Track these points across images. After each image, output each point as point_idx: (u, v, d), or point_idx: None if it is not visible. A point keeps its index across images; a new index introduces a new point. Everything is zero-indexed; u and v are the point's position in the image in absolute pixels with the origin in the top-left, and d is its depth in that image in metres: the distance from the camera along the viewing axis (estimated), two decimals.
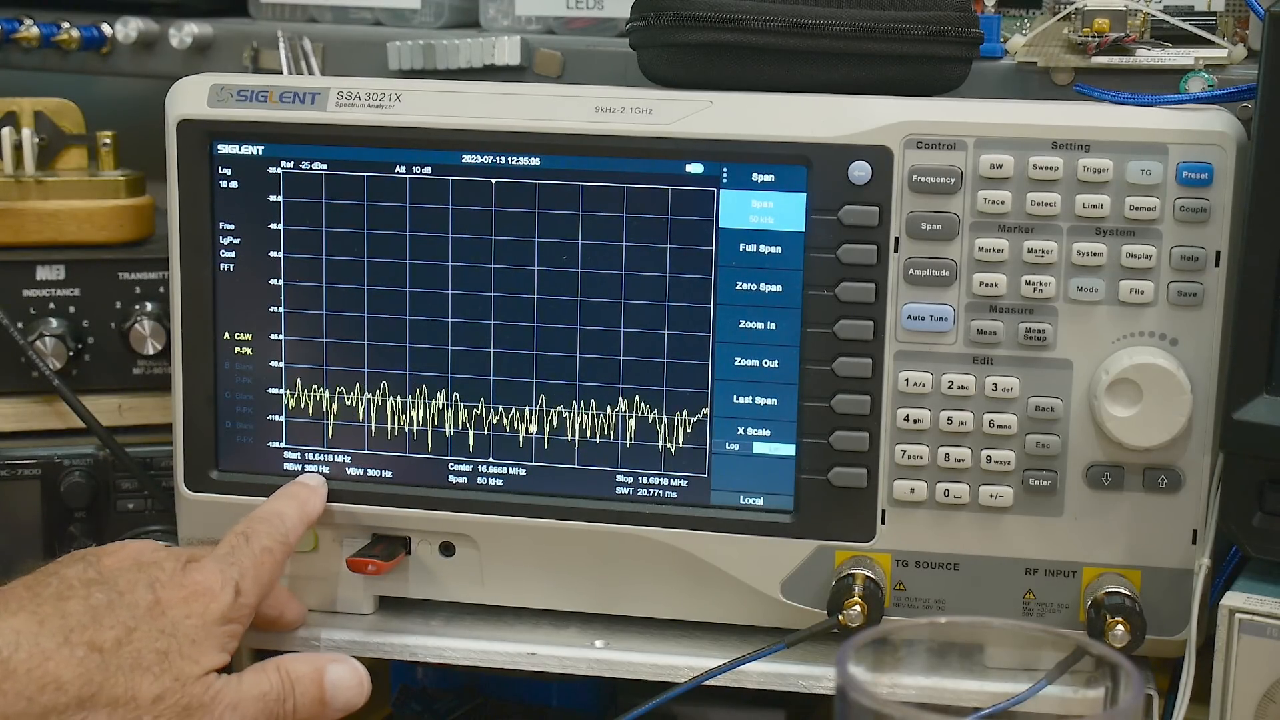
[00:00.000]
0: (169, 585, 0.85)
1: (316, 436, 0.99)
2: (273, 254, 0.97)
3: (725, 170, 0.92)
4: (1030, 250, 0.89)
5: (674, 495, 0.96)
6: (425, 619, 1.00)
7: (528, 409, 0.96)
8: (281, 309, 0.98)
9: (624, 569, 0.97)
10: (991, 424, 0.91)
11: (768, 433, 0.94)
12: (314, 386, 0.98)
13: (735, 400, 0.94)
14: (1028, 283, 0.90)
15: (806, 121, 0.91)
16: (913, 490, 0.92)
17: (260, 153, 0.97)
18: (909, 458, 0.92)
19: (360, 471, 0.99)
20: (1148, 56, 0.96)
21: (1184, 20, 0.96)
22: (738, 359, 0.94)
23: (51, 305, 1.10)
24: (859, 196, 0.91)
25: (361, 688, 0.90)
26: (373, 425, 0.98)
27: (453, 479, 0.98)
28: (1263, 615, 0.84)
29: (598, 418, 0.95)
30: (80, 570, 0.84)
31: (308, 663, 0.89)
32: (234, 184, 0.97)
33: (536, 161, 0.94)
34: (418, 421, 0.97)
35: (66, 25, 1.18)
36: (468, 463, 0.97)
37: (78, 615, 0.81)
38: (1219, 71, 0.95)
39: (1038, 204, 0.89)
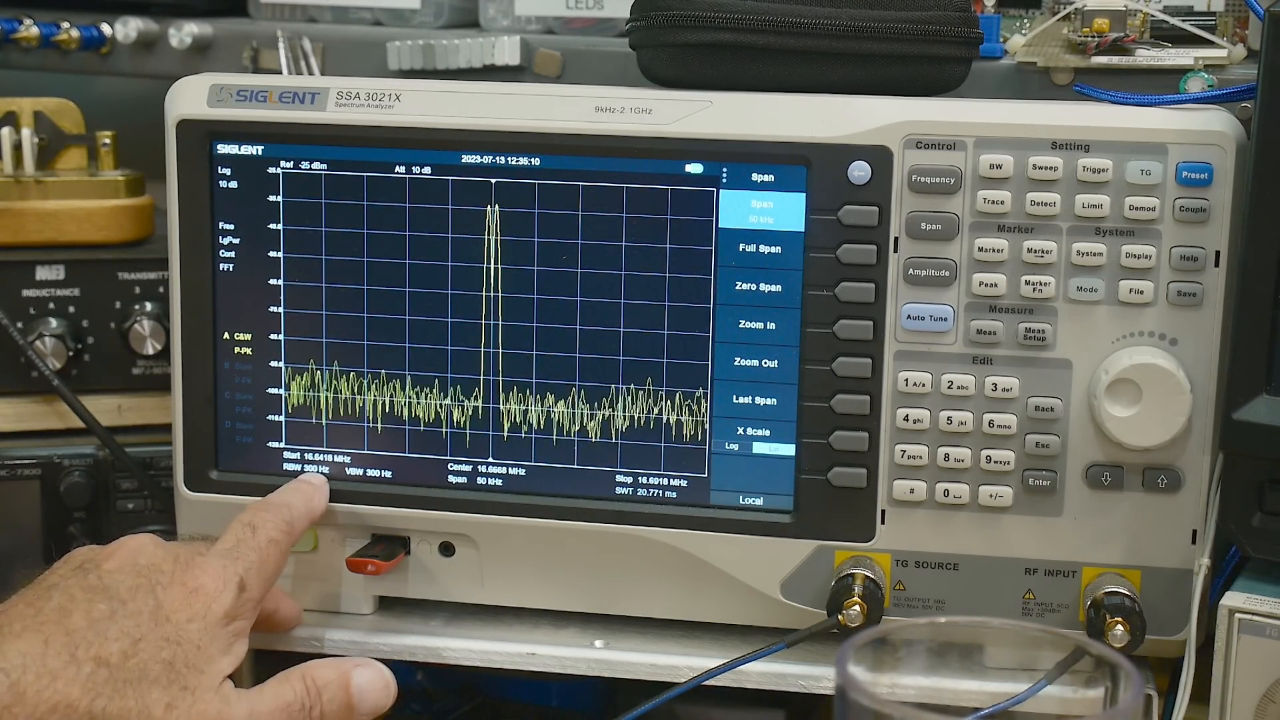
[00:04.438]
0: (170, 586, 0.84)
1: (316, 436, 0.99)
2: (272, 254, 0.97)
3: (725, 170, 0.92)
4: (1030, 250, 0.89)
5: (674, 495, 0.96)
6: (425, 619, 1.00)
7: (528, 409, 0.96)
8: (281, 309, 0.98)
9: (623, 569, 0.97)
10: (991, 424, 0.91)
11: (767, 432, 0.94)
12: (314, 386, 0.98)
13: (735, 400, 0.94)
14: (1027, 283, 0.90)
15: (806, 121, 0.91)
16: (912, 490, 0.92)
17: (260, 153, 0.97)
18: (909, 458, 0.92)
19: (360, 471, 0.99)
20: (1147, 56, 0.96)
21: (1184, 20, 0.96)
22: (737, 359, 0.94)
23: (51, 305, 1.10)
24: (859, 196, 0.91)
25: (388, 690, 0.89)
26: (372, 425, 0.98)
27: (453, 479, 0.98)
28: (1262, 615, 0.84)
29: (597, 418, 0.96)
30: (80, 579, 0.83)
31: (333, 668, 0.88)
32: (234, 184, 0.97)
33: (536, 161, 0.94)
34: (418, 421, 0.97)
35: (66, 25, 1.18)
36: (467, 463, 0.97)
37: (82, 630, 0.80)
38: (1219, 71, 0.95)
39: (1037, 204, 0.89)
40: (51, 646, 0.79)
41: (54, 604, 0.81)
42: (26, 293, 1.10)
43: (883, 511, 0.93)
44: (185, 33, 1.16)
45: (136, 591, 0.83)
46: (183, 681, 0.81)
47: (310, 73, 1.12)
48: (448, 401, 0.97)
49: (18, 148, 1.11)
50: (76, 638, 0.80)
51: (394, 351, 0.97)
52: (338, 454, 0.99)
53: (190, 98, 0.97)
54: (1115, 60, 0.96)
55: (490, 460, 0.97)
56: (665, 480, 0.96)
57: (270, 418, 0.99)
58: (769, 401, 0.94)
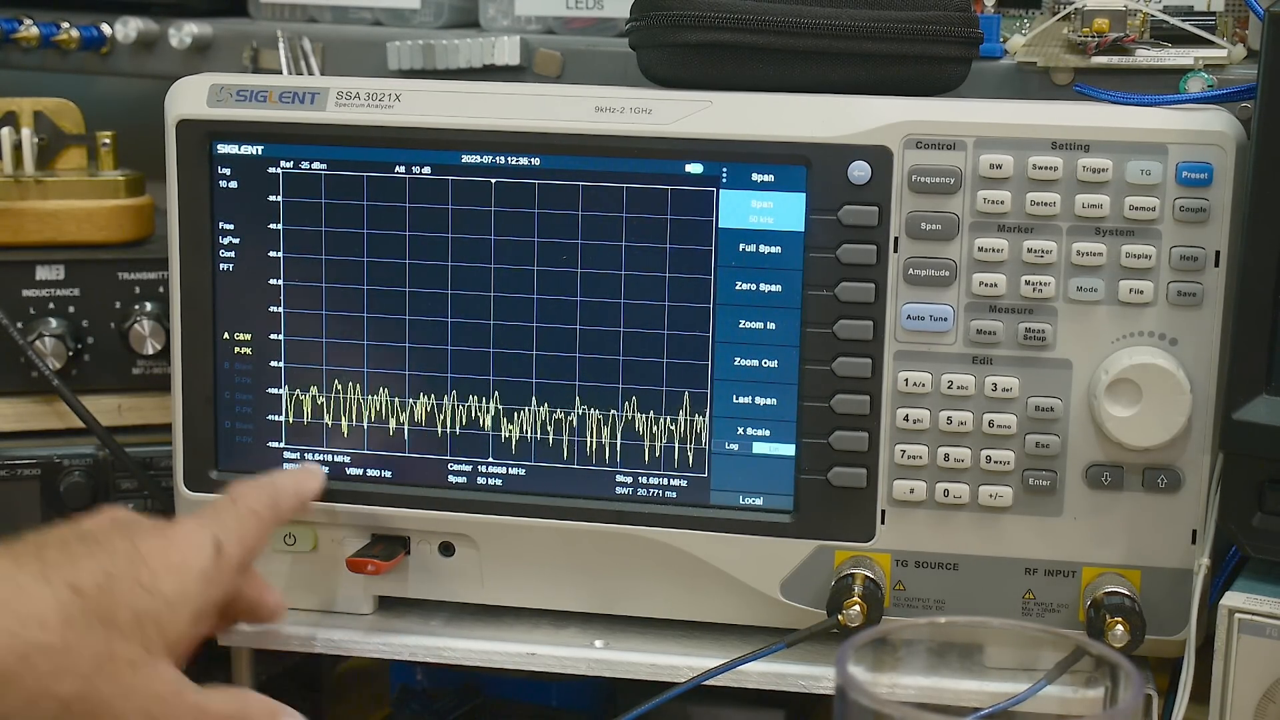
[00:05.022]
0: (149, 536, 0.83)
1: (316, 436, 0.99)
2: (272, 254, 0.97)
3: (725, 170, 0.92)
4: (1030, 250, 0.89)
5: (673, 495, 0.96)
6: (425, 619, 1.00)
7: (527, 409, 0.96)
8: (281, 309, 0.98)
9: (623, 569, 0.97)
10: (991, 424, 0.91)
11: (767, 433, 0.94)
12: (314, 387, 0.98)
13: (735, 400, 0.94)
14: (1027, 283, 0.90)
15: (806, 121, 0.91)
16: (912, 490, 0.92)
17: (260, 153, 0.97)
18: (909, 458, 0.92)
19: (360, 471, 0.99)
20: (1147, 56, 0.96)
21: (1183, 20, 0.96)
22: (737, 359, 0.94)
23: (51, 305, 1.10)
24: (859, 196, 0.91)
25: None
26: (373, 425, 0.98)
27: (453, 479, 0.98)
28: (1262, 615, 0.84)
29: (597, 418, 0.96)
30: (57, 531, 0.83)
31: (265, 704, 0.87)
32: (233, 184, 0.97)
33: (536, 161, 0.94)
34: (418, 421, 0.97)
35: (66, 25, 1.18)
36: (468, 463, 0.97)
37: (55, 559, 0.79)
38: (1218, 71, 0.95)
39: (1037, 204, 0.89)
40: (24, 567, 0.78)
41: (29, 543, 0.80)
42: (26, 293, 1.10)
43: (883, 511, 0.93)
44: (185, 33, 1.16)
45: (114, 535, 0.83)
46: (148, 642, 0.80)
47: (310, 73, 1.12)
48: (448, 401, 0.97)
49: (18, 148, 1.11)
50: (49, 563, 0.79)
51: (394, 351, 0.97)
52: (338, 454, 0.99)
53: (190, 98, 0.97)
54: (1115, 60, 0.96)
55: (490, 460, 0.97)
56: (665, 480, 0.96)
57: (270, 418, 0.99)
58: (769, 401, 0.94)
